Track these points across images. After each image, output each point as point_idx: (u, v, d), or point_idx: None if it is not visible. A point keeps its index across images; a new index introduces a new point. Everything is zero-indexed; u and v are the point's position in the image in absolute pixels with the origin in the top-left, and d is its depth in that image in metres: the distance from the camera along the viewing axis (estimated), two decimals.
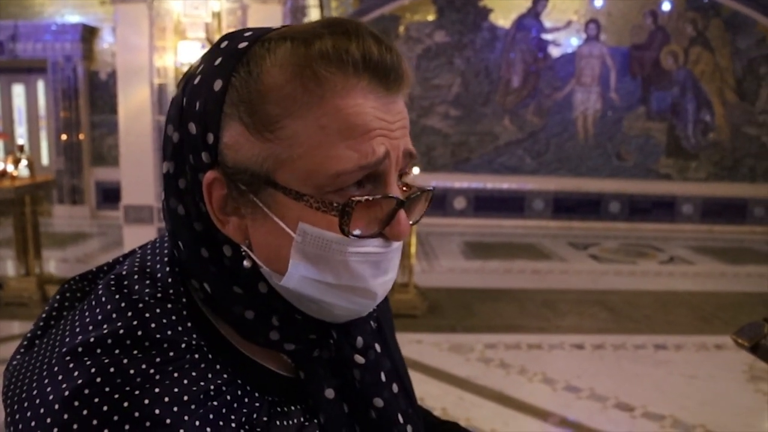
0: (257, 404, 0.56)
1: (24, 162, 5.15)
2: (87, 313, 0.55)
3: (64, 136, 8.93)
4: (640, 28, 9.03)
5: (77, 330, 0.54)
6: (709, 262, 7.23)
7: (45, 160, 9.27)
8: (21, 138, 8.81)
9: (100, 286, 0.58)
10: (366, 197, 0.53)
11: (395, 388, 0.65)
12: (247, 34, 0.57)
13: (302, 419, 0.59)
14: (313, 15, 8.17)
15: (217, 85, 0.54)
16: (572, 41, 9.06)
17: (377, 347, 0.65)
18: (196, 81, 0.56)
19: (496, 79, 9.18)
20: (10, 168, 4.97)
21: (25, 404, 0.50)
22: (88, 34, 8.76)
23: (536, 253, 7.48)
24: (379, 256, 0.56)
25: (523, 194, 9.38)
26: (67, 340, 0.53)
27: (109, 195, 8.78)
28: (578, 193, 9.26)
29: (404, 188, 0.60)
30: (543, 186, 9.31)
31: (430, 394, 3.45)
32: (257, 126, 0.53)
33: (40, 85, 9.11)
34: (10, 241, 5.31)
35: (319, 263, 0.54)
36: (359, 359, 0.62)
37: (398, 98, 0.57)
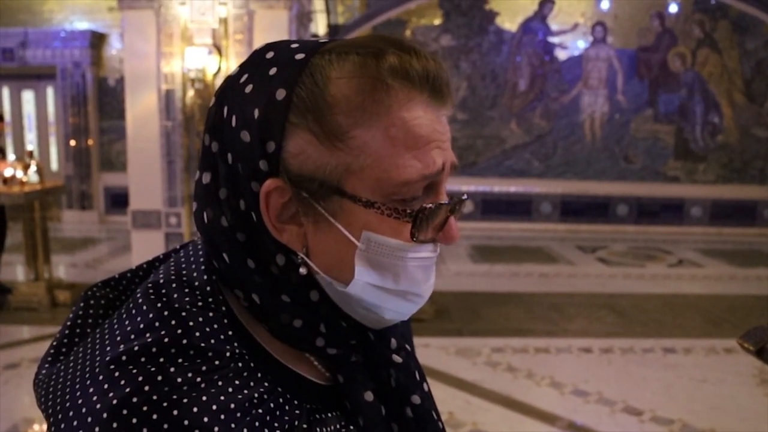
0: (297, 412, 0.57)
1: (33, 168, 5.18)
2: (127, 322, 0.56)
3: (73, 142, 8.99)
4: (647, 30, 9.01)
5: (118, 338, 0.54)
6: (718, 264, 7.18)
7: (54, 165, 9.34)
8: (30, 144, 8.88)
9: (138, 294, 0.58)
10: (431, 204, 0.56)
11: (426, 387, 0.67)
12: (295, 45, 0.58)
13: (339, 425, 0.60)
14: (320, 20, 8.19)
15: (280, 94, 0.55)
16: (579, 44, 9.05)
17: (408, 347, 0.67)
18: (247, 90, 0.56)
19: (502, 82, 9.17)
20: (19, 174, 5.01)
21: (70, 413, 0.50)
22: (97, 40, 8.83)
23: (544, 257, 7.46)
24: (430, 261, 0.60)
25: (531, 197, 9.36)
26: (108, 348, 0.54)
27: (118, 200, 8.83)
28: (586, 196, 9.24)
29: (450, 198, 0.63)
30: (550, 189, 9.29)
31: (436, 398, 3.39)
32: (327, 135, 0.54)
33: (50, 92, 9.18)
34: (20, 246, 5.35)
35: (381, 269, 0.57)
36: (397, 359, 0.63)
37: (446, 113, 0.59)
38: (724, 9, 8.89)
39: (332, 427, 0.60)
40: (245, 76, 0.58)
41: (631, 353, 4.21)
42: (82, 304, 0.63)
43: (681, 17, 8.99)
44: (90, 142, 9.02)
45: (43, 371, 0.57)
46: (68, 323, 0.62)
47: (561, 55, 9.07)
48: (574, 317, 5.01)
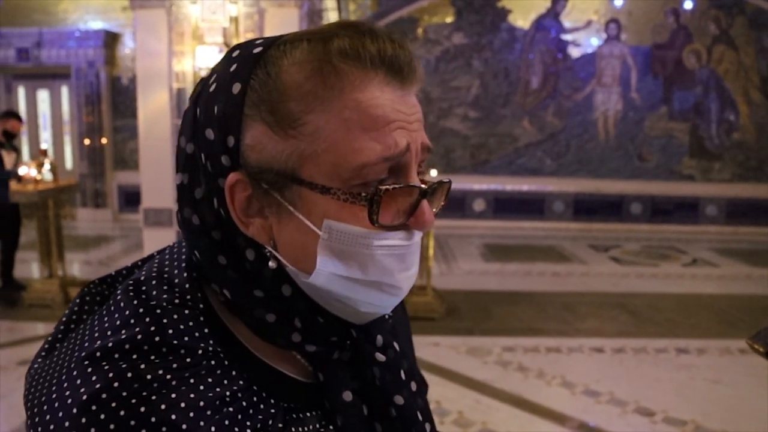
0: (272, 410, 0.56)
1: (47, 166, 5.24)
2: (106, 319, 0.56)
3: (87, 141, 9.07)
4: (662, 27, 8.92)
5: (96, 335, 0.55)
6: (733, 264, 7.10)
7: (69, 164, 9.43)
8: (45, 143, 8.96)
9: (118, 292, 0.59)
10: (393, 186, 0.54)
11: (413, 386, 0.65)
12: (259, 41, 0.59)
13: (318, 425, 0.60)
14: (331, 18, 8.20)
15: (236, 88, 0.55)
16: (592, 41, 8.97)
17: (396, 346, 0.65)
18: (212, 89, 0.57)
19: (515, 80, 9.12)
20: (33, 172, 5.06)
21: (45, 407, 0.51)
22: (111, 39, 8.90)
23: (556, 256, 7.41)
24: (403, 248, 0.57)
25: (543, 196, 9.31)
26: (86, 345, 0.54)
27: (131, 198, 8.90)
28: (599, 194, 9.16)
29: (422, 182, 0.61)
30: (563, 188, 9.22)
31: (446, 397, 3.43)
32: (280, 124, 0.54)
33: (64, 91, 9.27)
34: (34, 244, 5.40)
35: (346, 259, 0.55)
36: (380, 357, 0.62)
37: (412, 93, 0.58)
38: (740, 5, 8.77)
39: (310, 427, 0.59)
40: (213, 77, 0.58)
41: (644, 353, 4.17)
42: (77, 301, 0.64)
43: (696, 13, 8.88)
44: (104, 140, 9.10)
45: (35, 366, 0.58)
46: (63, 319, 0.62)
47: (574, 52, 9.01)
48: (586, 317, 4.97)
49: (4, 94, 9.33)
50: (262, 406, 0.56)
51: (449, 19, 9.07)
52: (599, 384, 3.63)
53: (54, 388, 0.51)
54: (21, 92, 9.40)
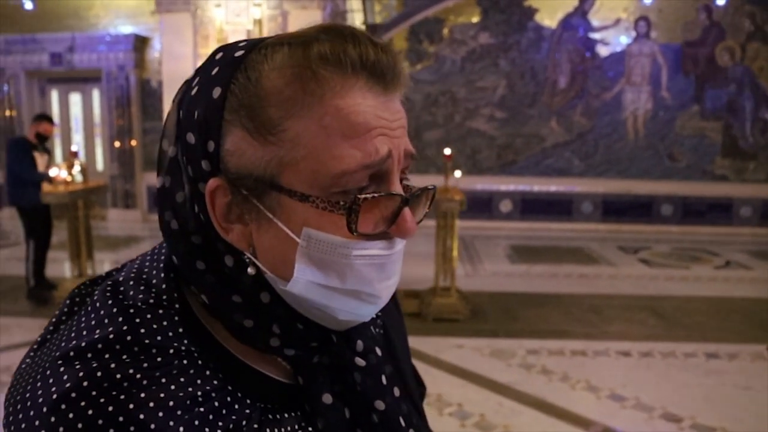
0: (248, 411, 0.56)
1: (77, 168, 5.34)
2: (83, 319, 0.56)
3: (117, 143, 9.24)
4: (693, 24, 8.73)
5: (73, 335, 0.55)
6: (767, 267, 6.90)
7: (100, 165, 9.62)
8: (76, 145, 9.16)
9: (97, 292, 0.59)
10: (372, 194, 0.53)
11: (397, 392, 0.64)
12: (242, 44, 0.58)
13: (297, 427, 0.59)
14: (357, 19, 8.21)
15: (216, 92, 0.54)
16: (621, 39, 8.83)
17: (378, 351, 0.65)
18: (194, 92, 0.56)
19: (542, 80, 9.03)
20: (64, 174, 5.16)
21: (19, 406, 0.51)
22: (140, 43, 9.05)
23: (584, 257, 7.31)
24: (383, 258, 0.56)
25: (571, 197, 9.19)
26: (63, 344, 0.54)
27: None
28: (628, 195, 9.01)
29: (410, 189, 0.60)
30: (591, 188, 9.09)
31: (469, 400, 3.40)
32: (259, 130, 0.53)
33: (95, 94, 9.46)
34: (65, 244, 5.51)
35: (324, 267, 0.54)
36: (360, 362, 0.61)
37: (395, 98, 0.57)
38: None
39: (289, 428, 0.58)
40: (196, 80, 0.58)
41: (672, 357, 4.08)
42: (67, 302, 0.64)
43: (730, 9, 8.67)
44: (133, 142, 9.26)
45: (22, 366, 0.58)
46: (53, 320, 0.62)
47: (602, 51, 8.87)
48: (614, 319, 4.88)
49: (38, 97, 9.56)
50: (236, 406, 0.55)
51: (475, 19, 9.02)
52: (625, 388, 3.56)
53: (29, 387, 0.52)
54: (54, 96, 9.63)
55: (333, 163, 0.52)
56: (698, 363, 4.00)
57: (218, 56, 0.57)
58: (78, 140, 9.58)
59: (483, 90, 9.16)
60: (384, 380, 0.63)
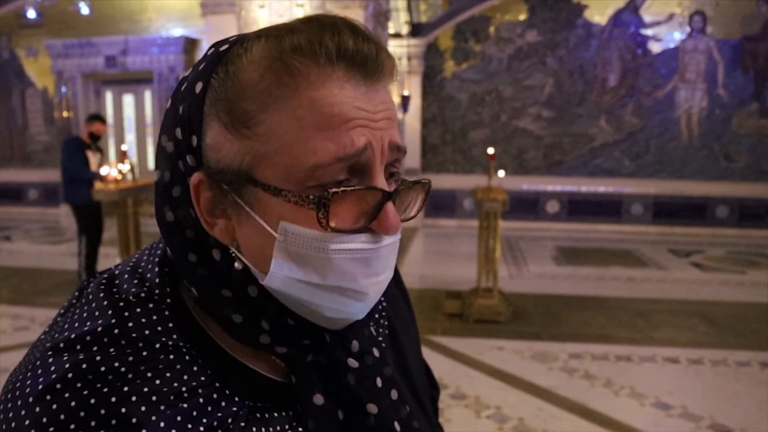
0: (234, 408, 0.55)
1: (127, 167, 5.50)
2: (77, 311, 0.57)
3: None
4: (753, 17, 8.37)
5: (66, 326, 0.55)
6: None
7: (151, 164, 9.89)
8: (129, 144, 9.45)
9: (91, 285, 0.60)
10: (344, 188, 0.52)
11: (394, 395, 0.62)
12: (232, 38, 0.58)
13: (287, 427, 0.58)
14: (401, 18, 8.20)
15: (198, 87, 0.55)
16: (675, 35, 8.54)
17: (376, 352, 0.62)
18: (183, 87, 0.57)
19: (591, 78, 8.82)
20: (114, 172, 5.33)
21: (9, 395, 0.52)
22: (190, 45, 9.28)
23: (633, 260, 7.10)
24: (367, 253, 0.54)
25: (621, 198, 8.95)
26: (56, 335, 0.55)
27: None
28: (681, 196, 8.71)
29: (399, 183, 0.58)
30: (642, 189, 8.84)
31: (507, 403, 3.34)
32: (234, 123, 0.53)
33: (147, 95, 9.75)
34: (115, 240, 5.68)
35: (303, 263, 0.53)
36: (353, 363, 0.59)
37: (379, 89, 0.55)
38: None
39: (278, 428, 0.57)
40: (188, 75, 0.58)
41: (723, 366, 3.91)
42: (76, 293, 0.65)
43: None
44: None
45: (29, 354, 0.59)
46: (61, 311, 0.63)
47: (654, 47, 8.60)
48: (662, 325, 4.72)
49: (94, 98, 9.91)
50: (223, 403, 0.54)
51: (522, 17, 8.89)
52: (672, 396, 3.43)
53: (20, 377, 0.52)
54: (108, 97, 9.97)
55: (306, 156, 0.51)
56: (752, 372, 3.82)
57: (210, 51, 0.57)
58: (130, 140, 9.89)
59: (530, 89, 9.01)
60: (379, 383, 0.61)
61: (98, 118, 5.73)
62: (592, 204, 9.07)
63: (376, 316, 0.70)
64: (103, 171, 5.30)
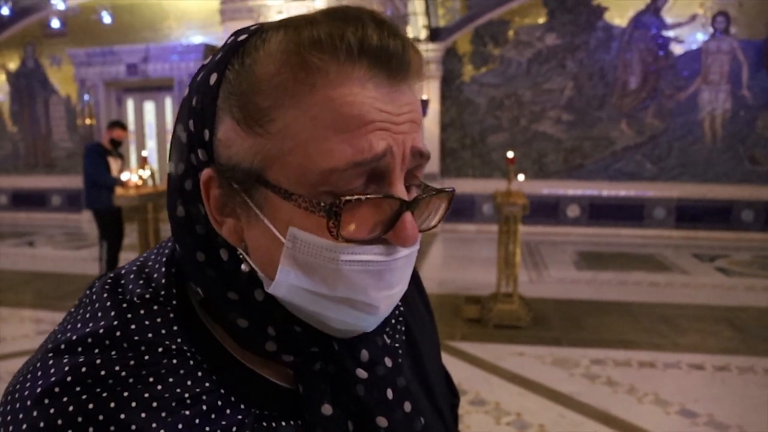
0: (239, 416, 0.52)
1: (147, 173, 5.55)
2: (81, 311, 0.55)
3: None
4: None
5: (68, 327, 0.54)
6: None
7: None
8: (147, 151, 9.55)
9: (96, 284, 0.58)
10: (358, 196, 0.48)
11: (408, 407, 0.58)
12: (253, 27, 0.54)
13: None
14: (419, 22, 8.19)
15: (213, 78, 0.52)
16: (697, 36, 8.42)
17: (388, 362, 0.58)
18: (199, 77, 0.54)
19: (611, 80, 8.73)
20: (135, 178, 5.38)
21: (9, 398, 0.50)
22: (210, 52, 9.30)
23: (656, 265, 6.99)
24: (380, 265, 0.51)
25: (643, 202, 8.83)
26: (59, 336, 0.53)
27: None
28: (705, 200, 8.56)
29: (422, 190, 0.55)
30: (665, 193, 8.70)
31: (528, 409, 3.29)
32: (247, 120, 0.50)
33: (168, 102, 9.86)
34: (135, 246, 5.73)
35: (311, 272, 0.50)
36: (361, 374, 0.56)
37: (404, 89, 0.51)
38: None
39: None
40: (207, 64, 0.55)
41: (751, 373, 3.81)
42: (87, 292, 0.63)
43: None
44: None
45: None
46: (71, 309, 0.61)
47: (676, 49, 8.48)
48: (686, 330, 4.62)
49: (116, 106, 10.04)
50: (227, 411, 0.52)
51: (541, 20, 8.83)
52: (697, 404, 3.35)
53: (21, 378, 0.51)
54: (130, 104, 10.10)
55: (320, 158, 0.48)
56: None
57: (229, 40, 0.55)
58: (151, 146, 10.00)
59: (550, 92, 8.94)
60: (390, 395, 0.57)
61: (119, 124, 5.79)
62: (613, 208, 8.95)
63: (393, 321, 0.66)
64: (124, 177, 5.36)
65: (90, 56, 9.70)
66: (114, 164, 5.56)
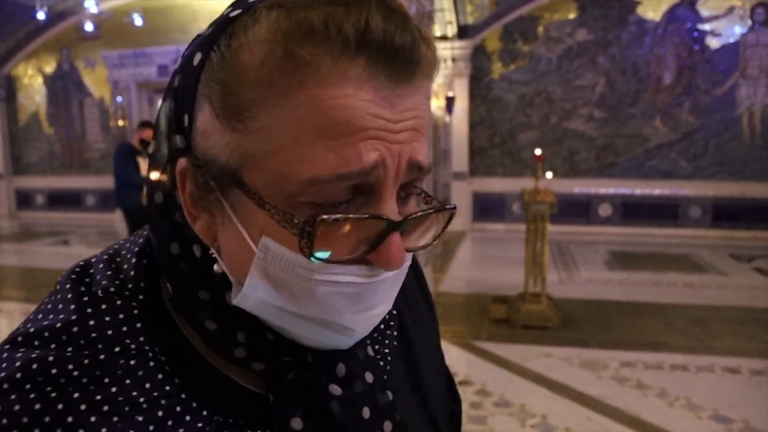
0: (199, 424, 0.48)
1: None
2: (46, 301, 0.51)
3: None
4: None
5: (30, 318, 0.50)
6: None
7: None
8: None
9: (64, 273, 0.54)
10: (335, 216, 0.42)
11: (388, 426, 0.53)
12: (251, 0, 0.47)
13: None
14: (446, 19, 8.12)
15: (197, 58, 0.46)
16: (735, 29, 8.16)
17: (368, 377, 0.53)
18: (187, 53, 0.49)
19: (644, 76, 8.53)
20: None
21: None
22: None
23: (690, 265, 6.80)
24: (358, 287, 0.46)
25: (677, 200, 8.61)
26: (20, 327, 0.50)
27: None
28: (742, 199, 8.30)
29: (422, 198, 0.50)
30: (700, 191, 8.47)
31: (554, 412, 3.21)
32: (226, 112, 0.44)
33: None
34: None
35: (281, 287, 0.45)
36: (335, 390, 0.50)
37: (409, 91, 0.44)
38: None
39: None
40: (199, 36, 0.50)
41: None
42: (58, 279, 0.60)
43: None
44: None
45: None
46: (44, 299, 0.59)
47: (713, 43, 8.24)
48: (721, 333, 4.47)
49: (147, 107, 10.20)
50: (187, 418, 0.47)
51: (572, 15, 8.68)
52: (732, 409, 3.23)
53: None
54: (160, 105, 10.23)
55: (301, 167, 0.42)
56: None
57: (224, 13, 0.48)
58: None
59: (581, 89, 8.79)
60: (367, 413, 0.51)
61: (149, 124, 5.87)
62: (646, 207, 8.75)
63: (382, 327, 0.60)
64: (153, 176, 5.41)
65: (122, 58, 9.88)
66: (143, 164, 5.63)
